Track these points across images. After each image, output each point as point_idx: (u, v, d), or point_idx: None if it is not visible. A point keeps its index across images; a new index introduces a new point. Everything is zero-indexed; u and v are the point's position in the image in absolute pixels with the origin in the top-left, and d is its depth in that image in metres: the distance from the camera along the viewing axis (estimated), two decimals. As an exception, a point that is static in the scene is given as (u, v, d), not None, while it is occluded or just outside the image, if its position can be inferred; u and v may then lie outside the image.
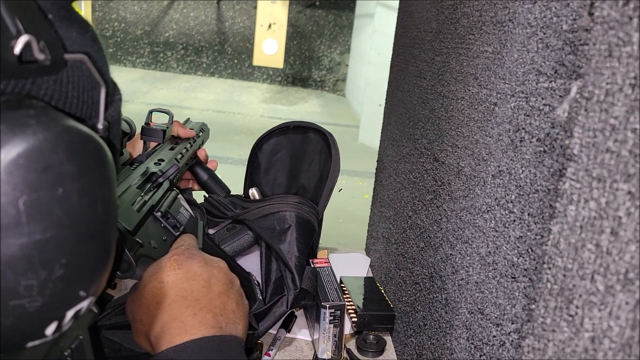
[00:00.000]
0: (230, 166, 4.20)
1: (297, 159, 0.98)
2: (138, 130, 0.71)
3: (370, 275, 1.07)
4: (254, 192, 0.94)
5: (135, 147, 0.73)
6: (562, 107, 0.35)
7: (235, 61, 9.20)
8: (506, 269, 0.48)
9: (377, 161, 1.13)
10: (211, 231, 0.80)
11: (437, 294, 0.66)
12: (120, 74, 8.35)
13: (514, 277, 0.46)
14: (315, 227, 0.80)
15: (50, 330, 0.29)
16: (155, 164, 0.64)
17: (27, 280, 0.26)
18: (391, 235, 0.96)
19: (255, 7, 6.95)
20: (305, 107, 7.67)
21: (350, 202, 3.85)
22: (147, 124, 0.70)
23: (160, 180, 0.60)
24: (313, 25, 9.14)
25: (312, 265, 0.80)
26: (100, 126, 0.35)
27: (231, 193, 0.88)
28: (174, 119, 0.78)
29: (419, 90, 0.84)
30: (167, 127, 0.71)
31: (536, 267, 0.42)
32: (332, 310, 0.70)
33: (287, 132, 0.98)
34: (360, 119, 6.20)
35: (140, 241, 0.50)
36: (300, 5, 8.96)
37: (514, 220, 0.47)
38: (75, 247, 0.28)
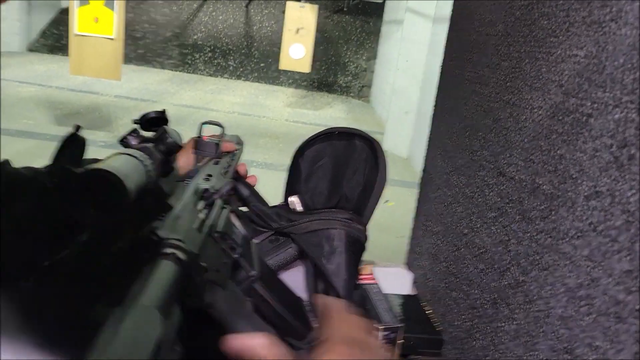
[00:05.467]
0: (256, 169, 4.18)
1: (341, 167, 0.93)
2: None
3: (413, 292, 1.01)
4: (294, 201, 0.89)
5: (181, 160, 0.69)
6: None
7: (262, 65, 9.23)
8: (607, 307, 0.41)
9: (423, 171, 1.07)
10: (254, 241, 0.75)
11: (504, 324, 0.60)
12: (149, 75, 8.46)
13: (619, 317, 0.40)
14: (364, 246, 0.75)
15: None
16: (204, 179, 0.60)
17: None
18: (439, 252, 0.89)
19: (284, 12, 6.94)
20: (330, 113, 7.63)
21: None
22: (199, 136, 0.65)
23: (215, 197, 0.56)
24: (340, 31, 9.12)
25: (359, 281, 0.75)
26: None
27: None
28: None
29: (479, 98, 0.78)
30: (219, 141, 0.66)
31: (656, 310, 0.36)
32: (387, 333, 0.65)
33: (331, 138, 0.93)
34: (385, 126, 6.12)
35: (205, 265, 0.45)
36: (328, 10, 8.95)
37: (619, 251, 0.41)
38: None
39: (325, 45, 9.12)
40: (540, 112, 0.57)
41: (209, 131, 0.77)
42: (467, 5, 0.90)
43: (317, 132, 0.94)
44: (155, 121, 0.63)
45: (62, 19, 8.84)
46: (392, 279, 1.03)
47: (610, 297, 0.41)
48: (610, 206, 0.42)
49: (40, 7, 8.84)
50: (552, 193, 0.52)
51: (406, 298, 0.94)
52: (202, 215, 0.52)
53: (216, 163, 0.69)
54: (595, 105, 0.46)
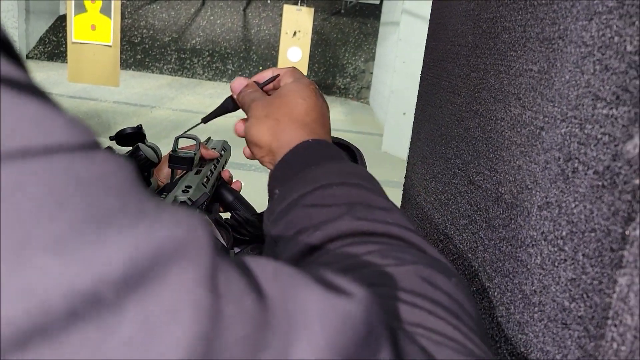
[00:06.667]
0: (255, 173, 4.20)
1: (323, 175, 0.95)
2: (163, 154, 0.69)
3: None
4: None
5: (161, 173, 0.71)
6: (633, 142, 0.31)
7: (261, 68, 9.27)
8: (555, 313, 0.43)
9: (405, 177, 1.09)
10: (236, 250, 0.77)
11: (472, 328, 0.62)
12: (147, 80, 8.50)
13: (565, 324, 0.41)
14: None
15: None
16: (183, 191, 0.62)
17: None
18: (420, 257, 0.91)
19: (281, 15, 6.98)
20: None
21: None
22: (174, 150, 0.67)
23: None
24: (338, 33, 9.15)
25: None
26: None
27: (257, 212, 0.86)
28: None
29: (453, 106, 0.80)
30: (195, 154, 0.68)
31: (593, 316, 0.37)
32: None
33: (312, 147, 0.95)
34: (384, 127, 6.14)
35: None
36: (325, 13, 8.98)
37: (565, 260, 0.43)
38: None
39: (323, 47, 9.15)
40: (502, 123, 0.59)
41: (188, 143, 0.79)
42: (442, 14, 0.93)
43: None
44: (132, 137, 0.65)
45: (60, 26, 8.89)
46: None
47: (558, 303, 0.43)
48: (558, 216, 0.44)
49: (38, 14, 8.89)
50: (512, 202, 0.54)
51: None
52: None
53: (197, 172, 0.71)
54: (547, 118, 0.48)
